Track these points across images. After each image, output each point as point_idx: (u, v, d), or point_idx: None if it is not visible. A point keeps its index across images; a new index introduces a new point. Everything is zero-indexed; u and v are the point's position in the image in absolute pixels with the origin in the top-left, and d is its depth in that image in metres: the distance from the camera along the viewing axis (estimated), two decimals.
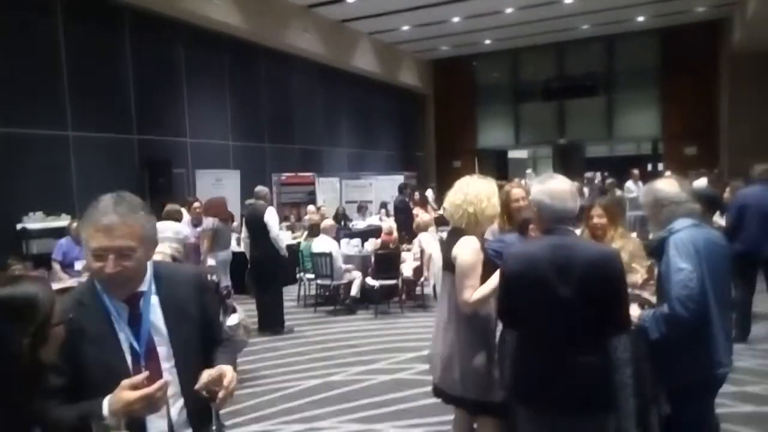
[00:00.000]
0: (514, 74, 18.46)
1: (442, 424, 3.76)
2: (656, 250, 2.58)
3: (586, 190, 12.07)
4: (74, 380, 1.45)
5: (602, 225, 3.21)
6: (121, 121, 9.11)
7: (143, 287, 1.58)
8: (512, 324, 2.38)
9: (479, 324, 2.63)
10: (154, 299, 1.60)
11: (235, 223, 8.58)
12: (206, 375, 1.52)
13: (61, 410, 1.39)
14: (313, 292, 8.14)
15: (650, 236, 3.54)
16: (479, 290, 2.54)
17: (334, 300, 7.77)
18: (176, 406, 1.59)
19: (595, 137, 18.11)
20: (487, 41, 16.79)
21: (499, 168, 19.18)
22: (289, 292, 7.27)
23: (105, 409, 1.39)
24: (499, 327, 2.62)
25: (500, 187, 3.05)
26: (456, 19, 14.16)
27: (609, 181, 12.49)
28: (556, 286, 2.11)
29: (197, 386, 1.51)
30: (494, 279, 2.49)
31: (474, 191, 2.67)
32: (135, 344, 1.54)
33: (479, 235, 2.70)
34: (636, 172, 12.19)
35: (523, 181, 10.41)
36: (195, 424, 1.62)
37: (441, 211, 12.02)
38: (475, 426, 2.87)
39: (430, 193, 14.20)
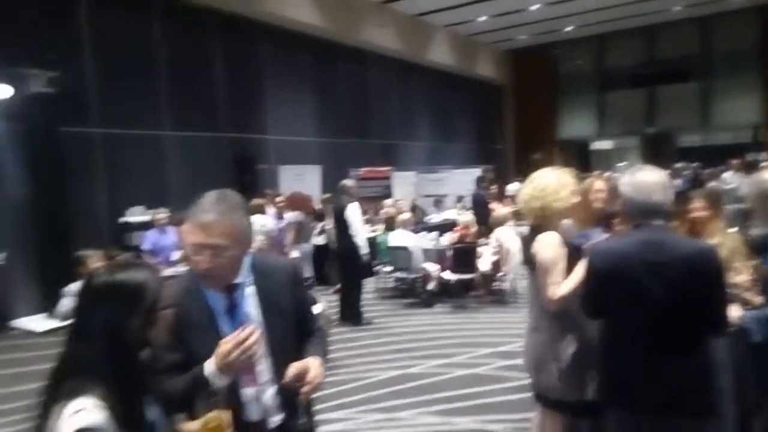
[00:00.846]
0: (598, 61, 17.66)
1: (523, 421, 3.71)
2: (762, 247, 2.40)
3: (677, 182, 11.33)
4: (184, 360, 1.58)
5: (703, 219, 2.99)
6: (211, 121, 9.67)
7: (240, 279, 1.67)
8: (600, 316, 2.29)
9: (571, 322, 2.52)
10: (250, 290, 1.69)
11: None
12: (293, 369, 1.58)
13: (172, 382, 1.52)
14: (390, 285, 8.25)
15: (753, 232, 3.29)
16: (564, 286, 2.44)
17: (412, 293, 7.83)
18: (269, 393, 1.67)
19: (688, 126, 16.94)
20: (569, 28, 16.15)
21: (582, 160, 18.42)
22: (368, 285, 7.40)
23: (207, 368, 1.50)
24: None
25: (582, 180, 2.92)
26: (535, 7, 13.75)
27: (708, 171, 11.63)
28: (648, 284, 2.01)
29: (284, 380, 1.58)
30: (578, 273, 2.39)
31: (541, 185, 2.57)
32: (231, 332, 1.62)
33: (556, 229, 2.58)
34: (736, 161, 11.28)
35: (609, 174, 9.97)
36: (287, 411, 1.70)
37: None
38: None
39: (512, 187, 13.82)
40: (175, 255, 6.96)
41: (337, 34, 11.84)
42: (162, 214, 7.40)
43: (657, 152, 17.20)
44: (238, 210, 1.61)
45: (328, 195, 7.45)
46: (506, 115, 19.39)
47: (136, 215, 8.13)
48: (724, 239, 2.92)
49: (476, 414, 4.09)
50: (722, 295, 2.06)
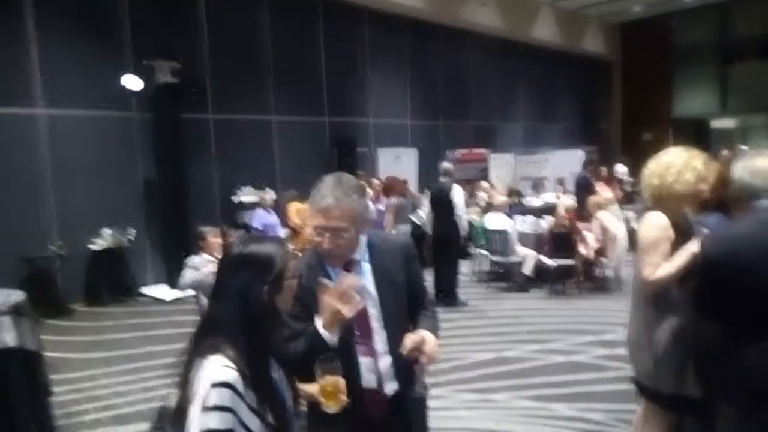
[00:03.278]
0: (722, 31, 16.01)
1: (624, 412, 3.59)
2: None
3: None
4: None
5: None
6: (314, 105, 10.06)
7: (357, 255, 1.80)
8: (715, 314, 2.15)
9: (669, 307, 2.38)
10: (366, 266, 1.81)
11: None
12: (409, 340, 1.68)
13: (294, 345, 1.68)
14: (486, 268, 8.20)
15: None
16: (663, 268, 2.28)
17: (508, 277, 7.74)
18: (384, 362, 1.78)
19: None
20: None
21: (700, 140, 16.90)
22: (463, 267, 7.42)
23: (318, 324, 1.64)
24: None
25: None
26: None
27: None
28: (765, 268, 1.86)
29: (402, 350, 1.68)
30: (681, 256, 2.26)
31: (666, 162, 2.38)
32: None
33: (676, 214, 2.39)
34: None
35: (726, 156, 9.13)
36: (401, 380, 1.80)
37: (628, 188, 11.10)
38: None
39: (620, 168, 13.02)
40: (281, 233, 7.39)
41: (437, 14, 11.75)
42: (269, 194, 7.86)
43: None
44: (354, 193, 1.72)
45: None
46: (613, 93, 18.23)
47: (245, 195, 8.72)
48: None
49: (574, 401, 4.02)
50: None
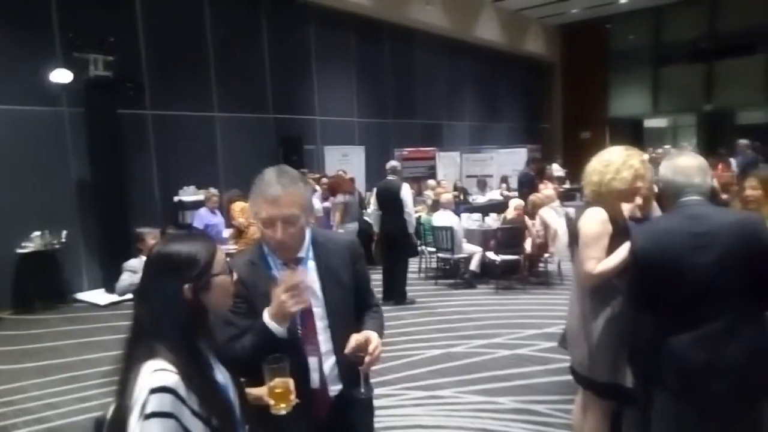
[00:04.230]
0: (655, 35, 16.85)
1: (567, 403, 3.71)
2: None
3: (733, 160, 10.77)
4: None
5: (756, 198, 2.91)
6: (259, 102, 9.86)
7: (302, 253, 1.76)
8: (648, 306, 2.24)
9: (606, 299, 2.48)
10: (311, 264, 1.77)
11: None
12: (353, 340, 1.66)
13: (240, 342, 1.63)
14: (434, 265, 8.29)
15: None
16: (604, 262, 2.37)
17: (455, 273, 7.85)
18: (328, 363, 1.75)
19: (750, 102, 16.01)
20: (624, 0, 15.47)
21: (634, 139, 17.73)
22: (411, 265, 7.47)
23: (265, 316, 1.60)
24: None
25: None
26: None
27: None
28: (694, 256, 1.96)
29: (346, 350, 1.65)
30: (622, 251, 2.34)
31: (605, 160, 2.48)
32: None
33: (614, 209, 2.48)
34: None
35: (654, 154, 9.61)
36: (345, 381, 1.77)
37: (566, 186, 11.52)
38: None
39: (555, 167, 13.58)
40: (225, 233, 7.20)
41: (383, 12, 11.77)
42: (212, 193, 7.65)
43: (715, 130, 16.41)
44: (298, 181, 1.70)
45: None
46: (554, 94, 18.86)
47: (188, 195, 8.44)
48: None
49: (520, 394, 4.12)
50: None
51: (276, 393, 1.50)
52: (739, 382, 1.98)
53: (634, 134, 18.21)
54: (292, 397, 1.52)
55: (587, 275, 2.41)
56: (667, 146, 12.79)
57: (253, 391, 1.55)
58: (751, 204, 2.92)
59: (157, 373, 1.25)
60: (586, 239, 2.44)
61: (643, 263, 2.13)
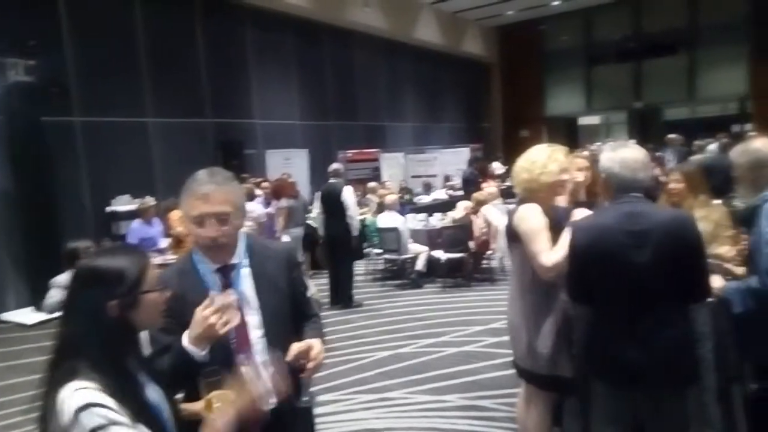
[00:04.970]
0: (586, 36, 17.55)
1: (513, 396, 3.76)
2: (747, 219, 2.40)
3: (665, 156, 11.34)
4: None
5: (679, 191, 3.05)
6: (195, 106, 9.55)
7: (235, 259, 1.70)
8: (585, 299, 2.30)
9: (545, 294, 2.55)
10: (246, 271, 1.71)
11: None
12: (295, 348, 1.61)
13: (161, 361, 1.54)
14: (380, 266, 8.28)
15: (737, 203, 3.32)
16: (555, 252, 2.38)
17: (401, 274, 7.86)
18: (265, 373, 1.67)
19: (675, 99, 16.96)
20: (556, 2, 16.05)
21: (570, 136, 18.43)
22: (357, 267, 7.44)
23: (184, 339, 1.52)
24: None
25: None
26: None
27: (698, 143, 11.66)
28: (630, 254, 2.04)
29: (287, 358, 1.60)
30: (565, 240, 2.38)
31: (532, 157, 2.59)
32: None
33: (544, 204, 2.56)
34: (725, 134, 11.27)
35: (592, 150, 9.97)
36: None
37: (507, 183, 11.78)
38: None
39: (496, 165, 13.89)
40: (163, 243, 6.91)
41: (322, 14, 11.68)
42: (148, 202, 7.32)
43: (644, 127, 17.26)
44: (231, 180, 1.67)
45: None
46: (494, 93, 19.32)
47: (122, 204, 8.06)
48: (708, 212, 2.95)
49: (466, 391, 4.15)
50: (702, 263, 2.09)
51: (214, 407, 1.44)
52: (668, 371, 2.07)
53: (569, 132, 18.94)
54: (233, 409, 1.45)
55: (545, 268, 2.41)
56: (599, 143, 13.31)
57: (190, 407, 1.49)
58: (674, 196, 3.05)
59: (79, 392, 1.18)
60: (530, 235, 2.48)
61: (581, 258, 2.19)
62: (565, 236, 2.38)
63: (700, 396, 2.31)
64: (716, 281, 2.37)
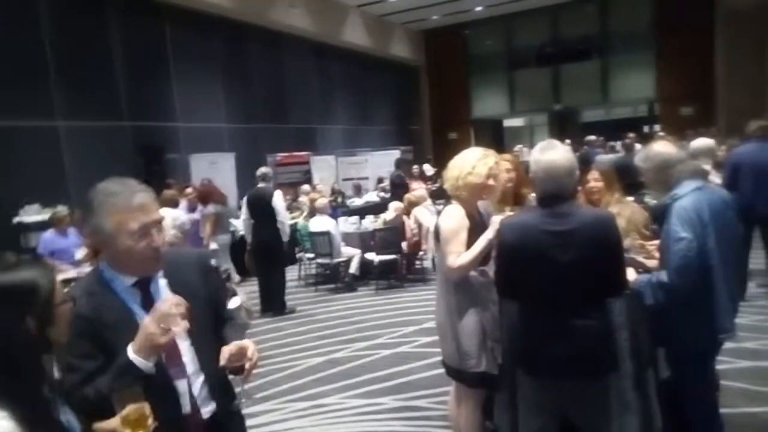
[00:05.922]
0: (507, 41, 18.23)
1: (442, 395, 3.81)
2: (659, 217, 2.55)
3: (586, 149, 11.91)
4: (105, 363, 1.49)
5: (598, 189, 3.18)
6: (111, 109, 9.03)
7: None
8: (512, 294, 2.39)
9: (469, 293, 2.62)
10: (162, 282, 1.64)
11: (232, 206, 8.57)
12: (227, 351, 1.57)
13: (97, 384, 1.44)
14: (313, 271, 8.18)
15: (648, 201, 3.53)
16: (464, 255, 2.53)
17: (335, 278, 7.81)
18: (197, 383, 1.63)
19: (591, 102, 17.98)
20: (479, 8, 16.54)
21: (496, 137, 19.07)
22: (290, 273, 7.31)
23: (130, 352, 1.44)
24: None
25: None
26: None
27: (609, 144, 12.38)
28: (554, 253, 2.13)
29: (222, 363, 1.56)
30: (480, 244, 2.51)
31: (463, 158, 2.70)
32: None
33: (470, 205, 2.68)
34: (632, 136, 11.97)
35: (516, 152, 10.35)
36: (218, 399, 1.67)
37: (437, 185, 11.99)
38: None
39: (427, 167, 14.14)
40: (79, 254, 6.47)
41: (247, 14, 11.40)
42: (60, 212, 6.81)
43: (563, 128, 18.14)
44: (146, 188, 1.61)
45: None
46: (422, 96, 19.64)
47: (31, 214, 7.48)
48: (621, 209, 3.11)
49: (401, 392, 4.17)
50: (620, 260, 2.25)
51: (131, 421, 1.35)
52: (591, 361, 2.18)
53: (495, 134, 19.60)
54: (150, 421, 1.37)
55: (449, 269, 2.55)
56: (522, 145, 13.83)
57: (104, 426, 1.38)
58: (594, 194, 3.18)
59: None
60: (445, 235, 2.59)
61: (507, 255, 2.28)
62: (481, 240, 2.48)
63: (619, 382, 2.43)
64: (630, 274, 2.51)
